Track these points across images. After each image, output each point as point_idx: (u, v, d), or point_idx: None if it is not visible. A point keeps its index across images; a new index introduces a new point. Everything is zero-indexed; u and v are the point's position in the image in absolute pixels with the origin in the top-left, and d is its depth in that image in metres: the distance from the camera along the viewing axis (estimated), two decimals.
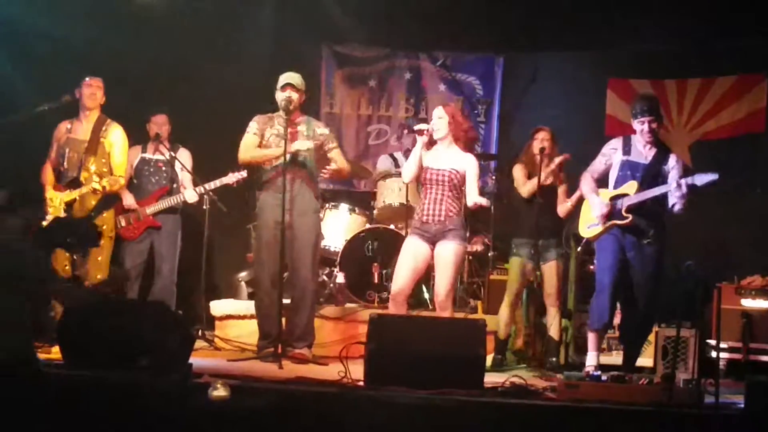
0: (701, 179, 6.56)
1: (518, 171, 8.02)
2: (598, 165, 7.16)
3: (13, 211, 5.92)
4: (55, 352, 6.67)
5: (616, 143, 7.09)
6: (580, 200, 7.37)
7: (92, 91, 7.94)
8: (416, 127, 7.12)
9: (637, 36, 9.38)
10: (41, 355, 6.86)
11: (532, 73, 10.18)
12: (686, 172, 6.92)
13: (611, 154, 7.08)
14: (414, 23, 9.80)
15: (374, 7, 9.54)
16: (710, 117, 9.58)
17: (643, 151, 6.98)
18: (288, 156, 7.31)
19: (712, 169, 6.60)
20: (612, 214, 6.92)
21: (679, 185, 6.63)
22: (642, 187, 6.84)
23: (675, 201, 6.72)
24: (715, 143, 9.51)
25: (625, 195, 6.90)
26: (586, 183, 7.16)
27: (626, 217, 6.85)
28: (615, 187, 7.01)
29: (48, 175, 7.89)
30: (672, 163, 6.92)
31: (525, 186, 7.86)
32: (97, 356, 6.13)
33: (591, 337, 7.08)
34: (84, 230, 7.56)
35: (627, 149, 7.00)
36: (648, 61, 9.67)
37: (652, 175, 6.89)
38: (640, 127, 6.93)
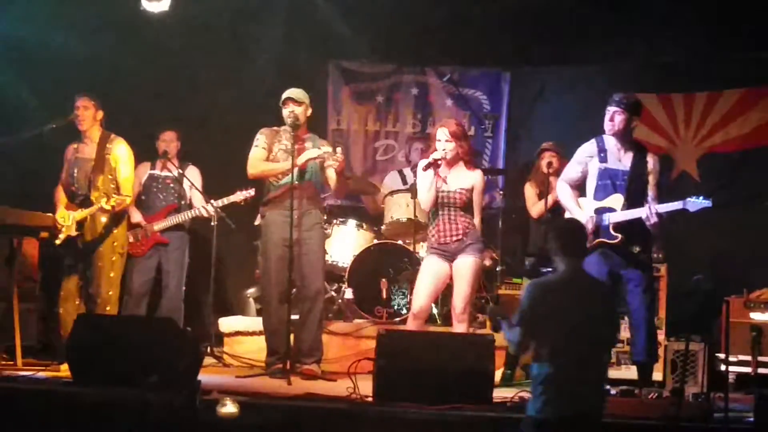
0: (665, 207, 6.44)
1: (529, 190, 8.02)
2: (573, 173, 6.86)
3: None
4: (64, 370, 6.69)
5: (590, 149, 6.79)
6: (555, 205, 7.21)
7: (80, 112, 7.75)
8: (432, 158, 6.96)
9: (643, 50, 9.36)
10: (49, 373, 6.89)
11: (539, 88, 10.14)
12: (662, 176, 6.78)
13: (587, 162, 6.79)
14: (421, 39, 9.79)
15: (381, 22, 9.54)
16: (718, 130, 9.50)
17: (618, 155, 6.71)
18: (296, 172, 7.31)
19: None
20: (598, 230, 6.62)
21: (648, 214, 6.45)
22: (627, 199, 6.59)
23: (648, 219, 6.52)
24: (723, 156, 9.45)
25: (609, 208, 6.64)
26: (567, 194, 6.85)
27: (616, 237, 6.56)
28: (596, 197, 6.73)
29: (60, 195, 7.85)
30: (650, 167, 6.70)
31: (534, 207, 7.83)
32: (106, 374, 6.16)
33: None
34: None
35: (603, 156, 6.71)
36: (655, 75, 9.62)
37: (635, 182, 6.64)
38: (607, 115, 6.69)
